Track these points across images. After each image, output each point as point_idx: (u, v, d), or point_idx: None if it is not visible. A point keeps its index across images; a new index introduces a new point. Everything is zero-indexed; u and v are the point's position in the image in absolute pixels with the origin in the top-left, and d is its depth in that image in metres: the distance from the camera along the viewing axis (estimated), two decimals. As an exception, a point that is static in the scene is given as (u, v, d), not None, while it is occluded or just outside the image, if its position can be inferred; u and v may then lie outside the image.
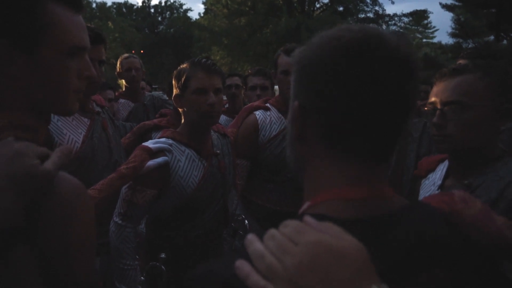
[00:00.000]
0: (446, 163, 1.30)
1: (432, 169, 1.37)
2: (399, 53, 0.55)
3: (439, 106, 1.15)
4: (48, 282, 0.60)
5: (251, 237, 0.50)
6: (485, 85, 1.10)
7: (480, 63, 1.14)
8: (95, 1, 32.72)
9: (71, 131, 1.62)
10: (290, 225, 0.49)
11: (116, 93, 3.45)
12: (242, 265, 0.47)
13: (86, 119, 1.70)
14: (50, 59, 0.70)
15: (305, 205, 0.60)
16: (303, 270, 0.44)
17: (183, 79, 1.60)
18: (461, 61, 1.98)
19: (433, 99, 1.18)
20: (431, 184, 1.33)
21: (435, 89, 1.18)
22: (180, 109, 1.68)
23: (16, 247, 0.57)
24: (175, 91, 1.65)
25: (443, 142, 1.16)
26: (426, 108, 1.21)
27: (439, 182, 1.27)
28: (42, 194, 0.61)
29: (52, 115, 0.81)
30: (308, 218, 0.49)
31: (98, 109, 1.81)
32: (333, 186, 0.57)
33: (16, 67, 0.68)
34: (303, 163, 0.62)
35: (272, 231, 0.49)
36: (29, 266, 0.58)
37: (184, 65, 1.64)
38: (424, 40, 29.18)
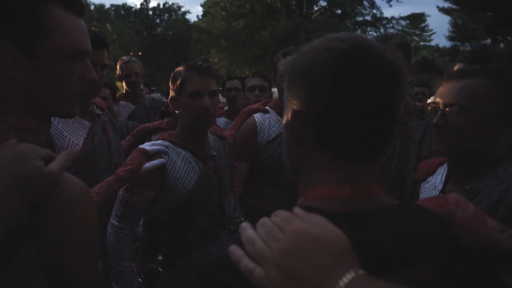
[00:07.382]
0: (445, 166, 1.29)
1: (432, 172, 1.36)
2: (384, 61, 0.58)
3: (441, 107, 1.15)
4: (50, 282, 0.60)
5: (245, 225, 0.54)
6: (490, 91, 1.09)
7: (488, 67, 1.12)
8: (93, 3, 32.76)
9: (72, 133, 1.62)
10: (280, 215, 0.54)
11: (117, 96, 3.46)
12: (234, 250, 0.52)
13: (86, 122, 1.70)
14: (52, 63, 0.70)
15: (299, 201, 0.65)
16: (287, 254, 0.48)
17: (178, 82, 1.61)
18: (459, 64, 1.97)
19: (437, 99, 1.18)
20: (431, 188, 1.32)
21: (440, 89, 1.18)
22: (176, 112, 1.69)
23: (21, 246, 0.57)
24: (171, 94, 1.66)
25: (440, 143, 1.16)
26: (429, 108, 1.20)
27: (440, 186, 1.27)
28: (47, 195, 0.62)
29: (53, 117, 0.81)
30: (297, 209, 0.54)
31: (98, 111, 1.82)
32: (322, 185, 0.62)
33: (18, 70, 0.69)
34: (299, 166, 0.66)
35: (264, 219, 0.54)
36: (33, 265, 0.58)
37: (180, 68, 1.65)
38: (422, 43, 29.26)
